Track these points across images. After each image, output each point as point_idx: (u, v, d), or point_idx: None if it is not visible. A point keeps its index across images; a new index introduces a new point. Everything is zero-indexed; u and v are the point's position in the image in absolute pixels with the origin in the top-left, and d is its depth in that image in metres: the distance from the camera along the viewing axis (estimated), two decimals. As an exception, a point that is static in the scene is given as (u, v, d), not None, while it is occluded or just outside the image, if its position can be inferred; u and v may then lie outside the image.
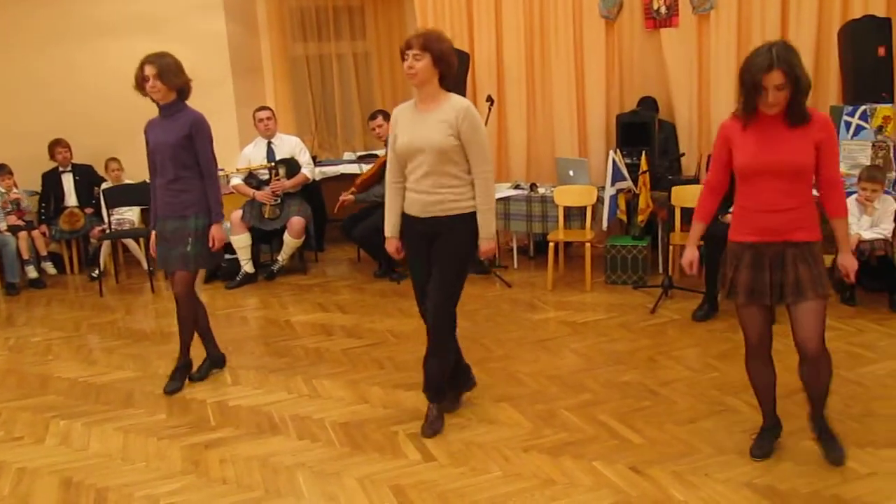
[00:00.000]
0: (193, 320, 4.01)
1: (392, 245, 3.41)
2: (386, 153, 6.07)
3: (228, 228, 6.01)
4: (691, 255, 2.99)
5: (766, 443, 2.98)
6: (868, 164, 4.99)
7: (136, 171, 6.84)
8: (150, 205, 3.95)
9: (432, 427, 3.32)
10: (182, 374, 4.03)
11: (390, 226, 3.39)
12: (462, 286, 3.30)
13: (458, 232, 3.21)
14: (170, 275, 4.04)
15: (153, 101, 3.79)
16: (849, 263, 2.82)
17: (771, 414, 3.01)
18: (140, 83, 3.72)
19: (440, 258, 3.23)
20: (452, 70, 3.18)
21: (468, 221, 3.21)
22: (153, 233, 3.93)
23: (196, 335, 4.07)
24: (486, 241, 3.24)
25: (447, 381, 3.42)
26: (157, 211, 3.89)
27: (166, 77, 3.68)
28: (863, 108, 5.04)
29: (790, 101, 2.63)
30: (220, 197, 3.87)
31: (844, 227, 2.83)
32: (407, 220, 3.33)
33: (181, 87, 3.77)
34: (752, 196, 2.78)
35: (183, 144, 3.73)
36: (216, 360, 4.20)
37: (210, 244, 3.84)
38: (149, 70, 3.67)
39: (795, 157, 2.69)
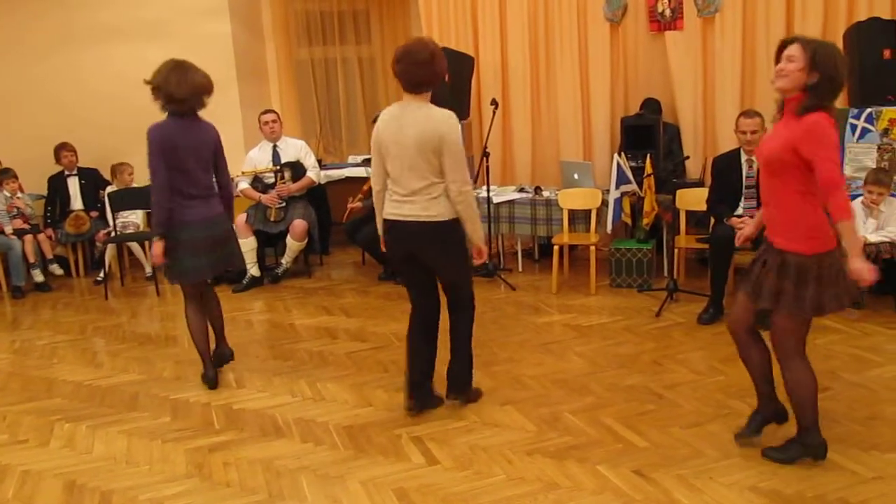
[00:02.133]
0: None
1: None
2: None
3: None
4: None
5: (753, 425, 3.06)
6: (874, 166, 4.97)
7: (144, 174, 6.87)
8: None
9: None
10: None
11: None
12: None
13: None
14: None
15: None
16: (858, 268, 2.57)
17: (760, 396, 3.06)
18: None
19: None
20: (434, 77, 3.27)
21: None
22: None
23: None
24: None
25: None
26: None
27: None
28: (868, 110, 5.02)
29: (804, 90, 2.60)
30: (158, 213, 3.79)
31: (847, 231, 2.58)
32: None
33: None
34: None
35: None
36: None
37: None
38: None
39: (769, 146, 2.70)
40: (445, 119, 3.19)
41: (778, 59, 2.66)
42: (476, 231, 3.34)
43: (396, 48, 3.29)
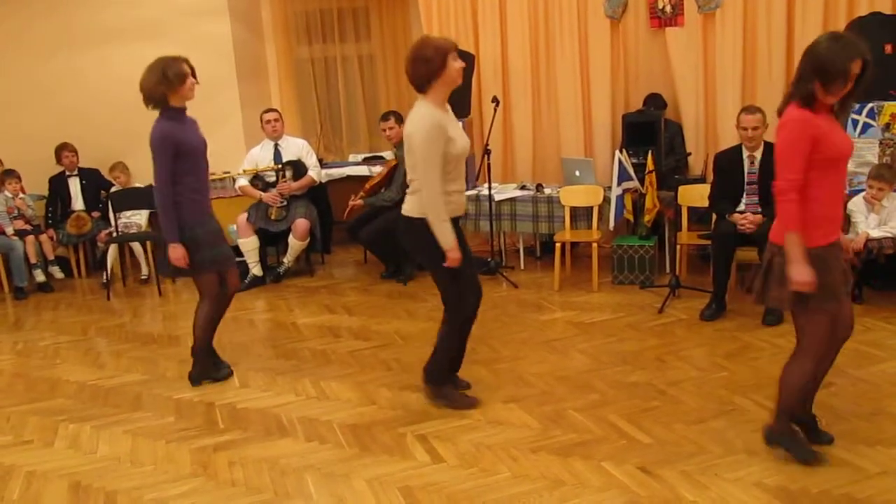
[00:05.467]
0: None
1: (457, 253, 3.32)
2: (395, 156, 6.09)
3: (234, 231, 6.03)
4: (809, 273, 2.61)
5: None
6: (876, 161, 4.97)
7: (144, 175, 6.87)
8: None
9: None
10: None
11: (453, 236, 3.32)
12: None
13: None
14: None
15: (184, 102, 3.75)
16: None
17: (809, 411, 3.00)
18: (182, 79, 3.65)
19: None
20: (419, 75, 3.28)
21: None
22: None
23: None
24: None
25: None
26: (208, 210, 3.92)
27: None
28: (870, 105, 5.01)
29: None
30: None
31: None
32: (456, 225, 3.39)
33: None
34: (833, 188, 2.70)
35: None
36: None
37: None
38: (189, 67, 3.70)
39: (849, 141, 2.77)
40: (414, 118, 3.28)
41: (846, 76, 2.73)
42: (436, 233, 3.26)
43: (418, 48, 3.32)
